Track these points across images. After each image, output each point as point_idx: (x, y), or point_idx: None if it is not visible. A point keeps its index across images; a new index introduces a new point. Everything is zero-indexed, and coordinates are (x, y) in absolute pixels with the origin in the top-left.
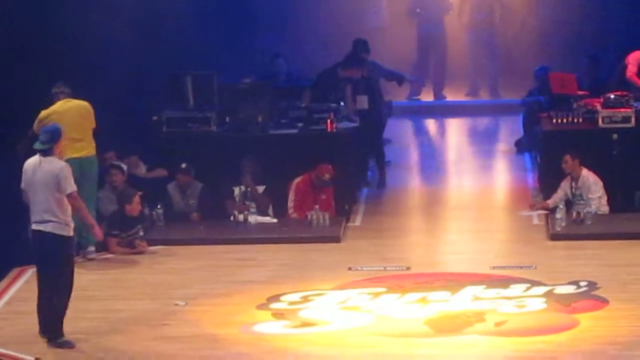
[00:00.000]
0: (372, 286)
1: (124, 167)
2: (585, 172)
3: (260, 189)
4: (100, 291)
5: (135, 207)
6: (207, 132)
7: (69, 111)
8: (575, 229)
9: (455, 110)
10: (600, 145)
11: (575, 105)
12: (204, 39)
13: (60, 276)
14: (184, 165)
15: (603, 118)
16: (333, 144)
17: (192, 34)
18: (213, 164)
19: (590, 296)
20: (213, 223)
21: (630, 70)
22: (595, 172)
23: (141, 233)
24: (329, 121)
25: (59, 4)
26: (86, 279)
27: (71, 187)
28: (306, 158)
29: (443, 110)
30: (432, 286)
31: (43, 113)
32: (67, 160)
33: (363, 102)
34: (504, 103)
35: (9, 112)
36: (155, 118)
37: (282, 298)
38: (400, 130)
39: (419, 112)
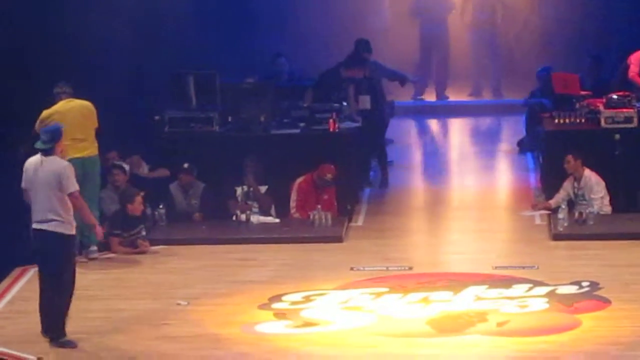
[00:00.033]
0: (374, 286)
1: (126, 167)
2: (587, 172)
3: (263, 188)
4: (102, 291)
5: (137, 207)
6: (209, 132)
7: (71, 111)
8: (577, 229)
9: (458, 110)
10: (603, 146)
11: (577, 106)
12: (204, 39)
13: (62, 275)
14: (186, 165)
15: (605, 118)
16: (335, 144)
17: (192, 33)
18: (215, 164)
19: (593, 296)
20: (215, 223)
21: (633, 70)
22: (597, 172)
23: (143, 233)
24: (331, 121)
25: (59, 4)
26: (88, 279)
27: (73, 186)
28: (308, 158)
29: (445, 110)
30: (434, 286)
31: (45, 113)
32: (69, 160)
33: (365, 102)
34: (507, 103)
35: (9, 112)
36: (157, 118)
37: (284, 298)
38: (402, 130)
39: (421, 112)
